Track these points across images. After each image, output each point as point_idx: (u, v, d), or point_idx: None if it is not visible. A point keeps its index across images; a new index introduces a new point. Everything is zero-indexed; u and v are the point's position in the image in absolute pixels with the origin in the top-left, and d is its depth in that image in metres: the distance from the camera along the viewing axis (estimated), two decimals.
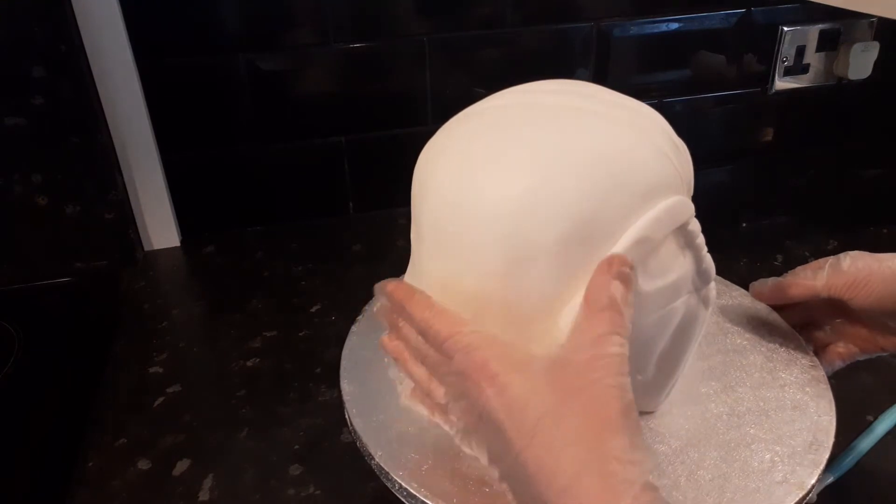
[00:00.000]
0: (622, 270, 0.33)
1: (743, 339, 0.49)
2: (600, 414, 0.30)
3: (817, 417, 0.42)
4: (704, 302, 0.41)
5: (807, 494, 0.37)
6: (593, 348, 0.31)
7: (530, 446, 0.30)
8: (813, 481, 0.38)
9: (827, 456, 0.40)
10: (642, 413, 0.43)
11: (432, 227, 0.37)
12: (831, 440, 0.41)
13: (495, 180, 0.34)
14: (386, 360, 0.47)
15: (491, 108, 0.40)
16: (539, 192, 0.33)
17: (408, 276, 0.45)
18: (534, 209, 0.33)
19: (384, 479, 0.41)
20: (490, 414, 0.32)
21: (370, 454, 0.42)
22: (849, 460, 0.50)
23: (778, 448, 0.40)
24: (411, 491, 0.39)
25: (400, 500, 0.40)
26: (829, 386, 0.44)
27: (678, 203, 0.37)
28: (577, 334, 0.32)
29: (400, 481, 0.39)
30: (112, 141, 0.74)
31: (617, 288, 0.32)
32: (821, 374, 0.45)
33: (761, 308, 0.51)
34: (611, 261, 0.33)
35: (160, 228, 0.81)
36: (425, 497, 0.38)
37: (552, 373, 0.31)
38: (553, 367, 0.32)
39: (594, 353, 0.31)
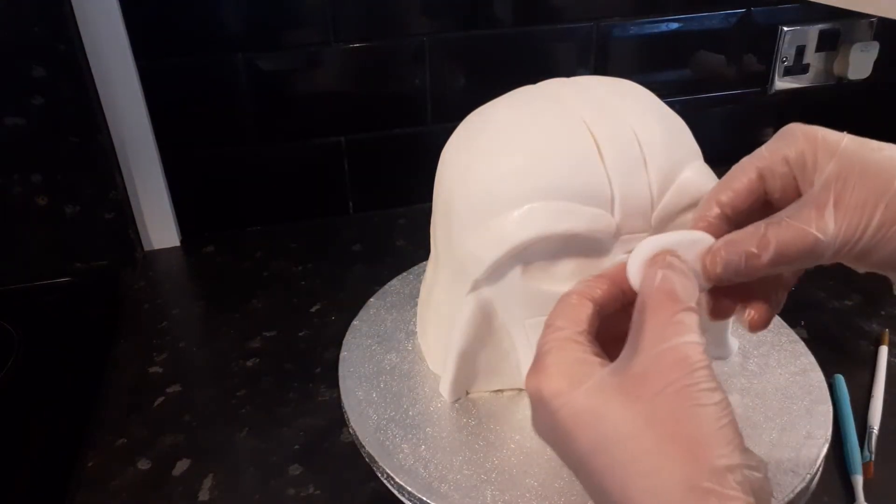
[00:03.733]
0: (670, 261, 0.29)
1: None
2: (683, 424, 0.25)
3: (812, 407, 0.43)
4: None
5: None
6: (659, 341, 0.26)
7: (605, 479, 0.26)
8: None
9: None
10: None
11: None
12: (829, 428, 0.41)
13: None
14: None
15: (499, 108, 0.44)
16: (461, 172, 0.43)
17: (430, 264, 0.46)
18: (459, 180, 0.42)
19: (384, 480, 0.41)
20: (545, 437, 0.29)
21: (370, 454, 0.42)
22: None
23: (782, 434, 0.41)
24: (412, 491, 0.39)
25: (400, 500, 0.40)
26: (823, 377, 0.44)
27: (543, 208, 0.38)
28: (634, 335, 0.28)
29: (400, 482, 0.39)
30: (112, 141, 0.74)
31: (668, 277, 0.29)
32: (813, 364, 0.46)
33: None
34: (657, 258, 0.30)
35: (160, 228, 0.81)
36: (425, 497, 0.38)
37: (617, 382, 0.27)
38: (615, 373, 0.27)
39: (661, 346, 0.26)
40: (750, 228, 0.30)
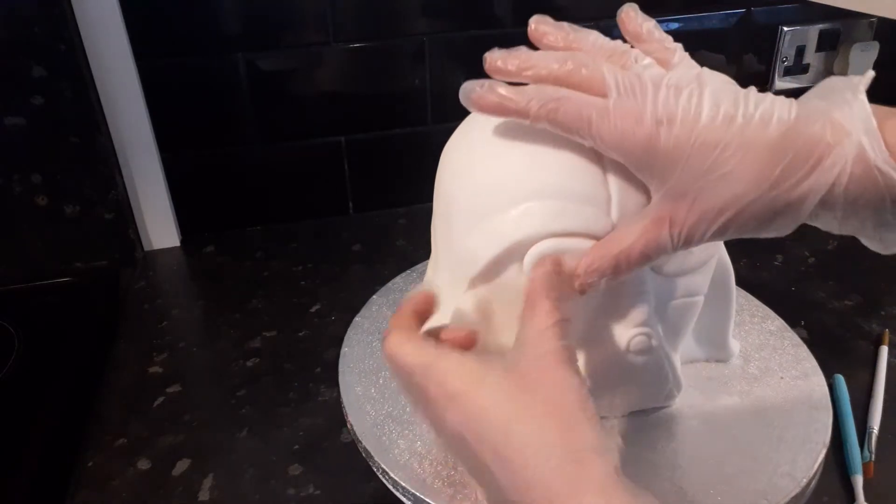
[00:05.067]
0: (553, 270, 0.35)
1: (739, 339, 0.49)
2: (558, 410, 0.31)
3: (813, 409, 0.43)
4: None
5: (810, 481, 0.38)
6: (538, 346, 0.32)
7: (496, 455, 0.30)
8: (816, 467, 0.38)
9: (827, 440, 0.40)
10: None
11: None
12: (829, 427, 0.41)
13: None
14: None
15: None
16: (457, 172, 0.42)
17: (430, 266, 0.46)
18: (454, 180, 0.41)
19: (383, 479, 0.41)
20: (450, 430, 0.33)
21: (369, 454, 0.42)
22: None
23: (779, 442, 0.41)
24: (411, 490, 0.39)
25: (400, 499, 0.40)
26: (825, 382, 0.44)
27: (540, 208, 0.37)
28: (520, 336, 0.33)
29: (400, 481, 0.40)
30: (112, 141, 0.74)
31: (550, 286, 0.34)
32: (815, 368, 0.46)
33: (757, 306, 0.51)
34: (543, 262, 0.36)
35: (160, 228, 0.81)
36: (425, 496, 0.38)
37: (507, 379, 0.32)
38: (506, 372, 0.32)
39: (540, 350, 0.32)
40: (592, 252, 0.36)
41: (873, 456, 0.51)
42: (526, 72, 0.35)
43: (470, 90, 0.37)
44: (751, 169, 0.31)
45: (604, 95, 0.33)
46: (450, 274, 0.43)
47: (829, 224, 0.32)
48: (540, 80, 0.35)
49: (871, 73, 0.32)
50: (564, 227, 0.37)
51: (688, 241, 0.33)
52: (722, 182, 0.31)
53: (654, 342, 0.40)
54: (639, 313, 0.39)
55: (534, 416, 0.31)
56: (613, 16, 0.39)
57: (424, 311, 0.38)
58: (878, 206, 0.30)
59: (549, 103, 0.33)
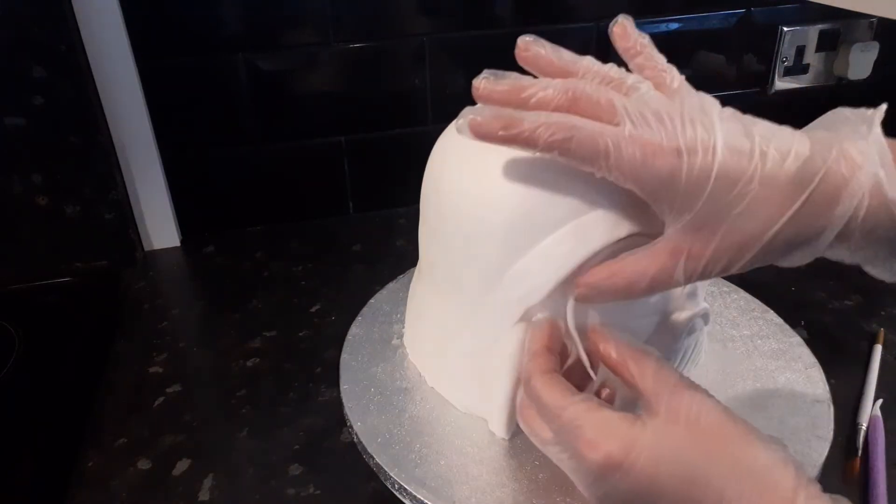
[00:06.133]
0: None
1: (739, 341, 0.49)
2: (722, 441, 0.30)
3: (815, 411, 0.43)
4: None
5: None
6: (671, 396, 0.31)
7: None
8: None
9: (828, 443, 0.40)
10: None
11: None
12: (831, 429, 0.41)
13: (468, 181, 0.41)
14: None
15: None
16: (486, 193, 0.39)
17: (427, 294, 0.45)
18: (484, 203, 0.39)
19: (384, 479, 0.41)
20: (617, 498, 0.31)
21: (369, 454, 0.42)
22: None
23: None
24: (411, 491, 0.39)
25: (400, 500, 0.40)
26: (826, 386, 0.44)
27: (596, 218, 0.36)
28: (652, 396, 0.32)
29: (399, 481, 0.40)
30: (112, 141, 0.74)
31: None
32: (814, 364, 0.46)
33: (758, 307, 0.51)
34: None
35: (160, 228, 0.81)
36: (424, 497, 0.38)
37: (658, 433, 0.31)
38: (653, 427, 0.31)
39: (673, 399, 0.31)
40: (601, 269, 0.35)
41: (860, 452, 0.51)
42: (523, 94, 0.34)
43: (469, 116, 0.34)
44: (772, 203, 0.30)
45: (612, 124, 0.32)
46: (486, 303, 0.40)
47: (841, 254, 0.32)
48: (542, 106, 0.33)
49: (883, 107, 0.32)
50: (629, 231, 0.36)
51: (702, 275, 0.32)
52: (744, 216, 0.30)
53: (706, 321, 0.42)
54: (697, 298, 0.41)
55: (703, 462, 0.30)
56: (612, 16, 0.39)
57: (555, 344, 0.37)
58: (892, 237, 0.30)
59: (560, 132, 0.31)
